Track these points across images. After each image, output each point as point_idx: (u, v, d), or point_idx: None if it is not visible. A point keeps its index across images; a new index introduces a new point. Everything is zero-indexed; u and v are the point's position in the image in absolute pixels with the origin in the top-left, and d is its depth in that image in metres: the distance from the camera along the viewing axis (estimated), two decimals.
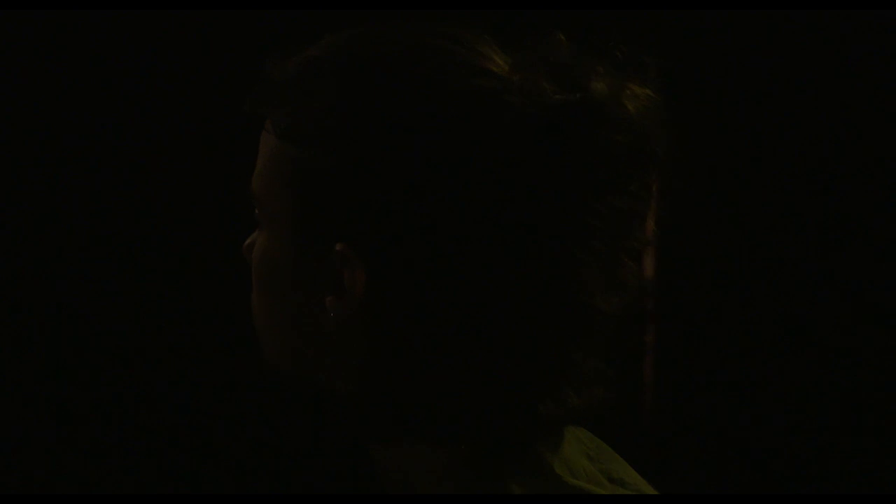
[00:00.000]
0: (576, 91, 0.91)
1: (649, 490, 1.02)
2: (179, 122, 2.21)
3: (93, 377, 2.24)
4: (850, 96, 2.35)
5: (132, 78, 2.19)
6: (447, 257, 0.90)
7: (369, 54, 0.93)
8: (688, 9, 2.28)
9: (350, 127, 0.91)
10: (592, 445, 1.03)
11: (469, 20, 0.96)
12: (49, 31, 2.16)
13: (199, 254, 2.25)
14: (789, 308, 2.41)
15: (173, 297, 2.27)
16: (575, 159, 0.91)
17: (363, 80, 0.91)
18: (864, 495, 2.29)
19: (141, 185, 2.23)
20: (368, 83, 0.91)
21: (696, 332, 2.43)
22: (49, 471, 2.21)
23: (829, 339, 2.40)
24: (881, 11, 2.27)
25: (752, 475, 2.41)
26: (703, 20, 2.32)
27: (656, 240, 2.39)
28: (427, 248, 0.90)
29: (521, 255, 0.90)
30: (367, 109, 0.90)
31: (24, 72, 2.17)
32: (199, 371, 2.27)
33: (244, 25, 2.14)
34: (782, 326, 2.41)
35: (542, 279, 0.91)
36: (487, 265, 0.90)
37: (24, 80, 2.17)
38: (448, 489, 0.95)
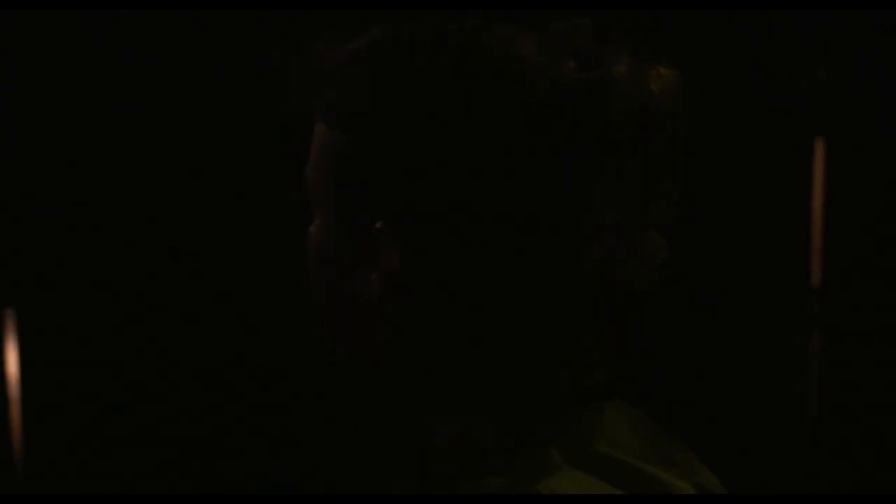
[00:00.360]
0: (595, 71, 0.96)
1: (703, 470, 1.04)
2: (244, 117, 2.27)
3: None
4: None
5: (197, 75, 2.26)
6: (472, 234, 0.96)
7: (402, 47, 0.99)
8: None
9: (384, 114, 0.98)
10: (646, 426, 1.05)
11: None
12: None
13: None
14: None
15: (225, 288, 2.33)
16: (590, 135, 0.95)
17: (396, 71, 0.98)
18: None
19: (199, 181, 2.30)
20: (401, 74, 0.98)
21: (862, 337, 2.39)
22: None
23: None
24: None
25: None
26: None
27: (825, 245, 2.36)
28: (453, 224, 0.96)
29: (540, 229, 0.96)
30: (399, 98, 0.98)
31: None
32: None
33: (298, 20, 2.17)
34: None
35: (559, 253, 0.96)
36: (508, 239, 0.96)
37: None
38: (490, 456, 0.99)
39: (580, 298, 0.97)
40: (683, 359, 2.32)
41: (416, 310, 0.99)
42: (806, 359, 2.43)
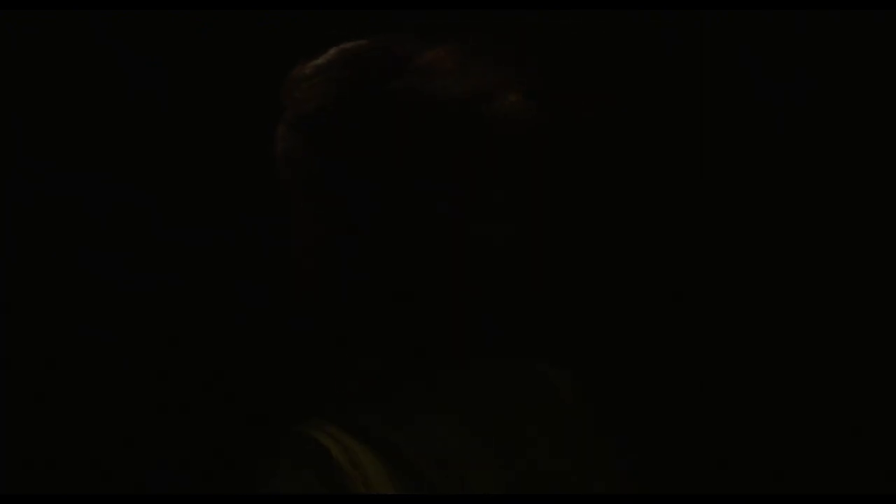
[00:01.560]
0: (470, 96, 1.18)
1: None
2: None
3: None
4: None
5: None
6: (364, 215, 1.21)
7: (336, 67, 1.24)
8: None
9: (314, 118, 1.23)
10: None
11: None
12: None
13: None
14: None
15: None
16: (429, 147, 1.19)
17: (328, 87, 1.23)
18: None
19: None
20: (329, 90, 1.23)
21: None
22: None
23: None
24: None
25: None
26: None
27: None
28: (355, 211, 1.21)
29: (414, 213, 1.19)
30: (328, 107, 1.23)
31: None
32: None
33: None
34: None
35: (422, 233, 1.19)
36: (383, 220, 1.20)
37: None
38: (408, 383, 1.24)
39: (427, 269, 1.21)
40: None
41: (326, 271, 1.24)
42: None
